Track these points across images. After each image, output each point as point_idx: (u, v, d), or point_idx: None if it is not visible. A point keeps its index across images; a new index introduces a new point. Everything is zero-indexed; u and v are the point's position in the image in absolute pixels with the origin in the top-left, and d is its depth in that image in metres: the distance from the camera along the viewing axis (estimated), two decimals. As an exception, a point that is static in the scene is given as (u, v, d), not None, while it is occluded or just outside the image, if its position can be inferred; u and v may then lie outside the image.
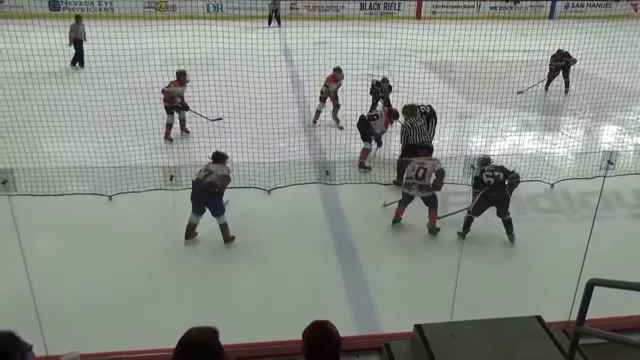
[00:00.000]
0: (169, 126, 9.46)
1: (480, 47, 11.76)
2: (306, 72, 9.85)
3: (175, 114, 9.53)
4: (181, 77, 9.41)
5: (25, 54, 9.36)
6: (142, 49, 9.89)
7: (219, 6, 21.44)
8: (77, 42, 13.96)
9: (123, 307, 5.20)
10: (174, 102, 9.34)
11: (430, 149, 7.35)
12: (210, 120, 9.54)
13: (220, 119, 9.40)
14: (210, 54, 9.96)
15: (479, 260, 5.96)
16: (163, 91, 9.27)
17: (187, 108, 9.60)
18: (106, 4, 20.98)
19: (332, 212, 7.24)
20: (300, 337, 2.53)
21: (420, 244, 6.75)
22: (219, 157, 6.46)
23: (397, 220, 6.92)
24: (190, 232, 6.31)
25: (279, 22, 20.12)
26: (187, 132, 9.80)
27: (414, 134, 7.76)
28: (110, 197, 6.88)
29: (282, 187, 7.63)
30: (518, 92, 12.02)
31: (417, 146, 7.58)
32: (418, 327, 3.80)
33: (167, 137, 9.46)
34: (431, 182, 6.66)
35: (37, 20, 10.72)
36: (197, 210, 6.20)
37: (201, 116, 9.53)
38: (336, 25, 15.45)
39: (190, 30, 10.22)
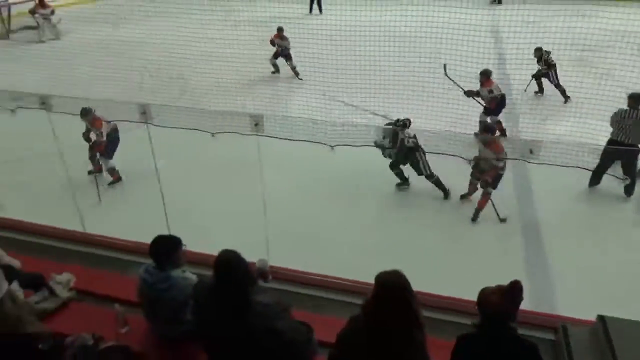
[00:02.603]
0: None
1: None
2: (513, 53, 9.22)
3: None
4: (279, 32, 11.39)
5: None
6: (364, 21, 10.35)
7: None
8: None
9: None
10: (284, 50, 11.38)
11: None
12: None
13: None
14: (421, 30, 9.92)
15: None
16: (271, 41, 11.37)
17: (289, 58, 11.40)
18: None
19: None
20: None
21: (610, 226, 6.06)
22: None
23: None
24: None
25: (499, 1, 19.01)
26: (297, 74, 11.47)
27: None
28: (332, 147, 7.41)
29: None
30: None
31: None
32: (601, 319, 3.50)
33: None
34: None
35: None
36: None
37: None
38: (546, 3, 13.85)
39: (407, 6, 10.31)
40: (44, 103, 4.69)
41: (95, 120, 6.66)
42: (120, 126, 6.84)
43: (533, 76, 10.04)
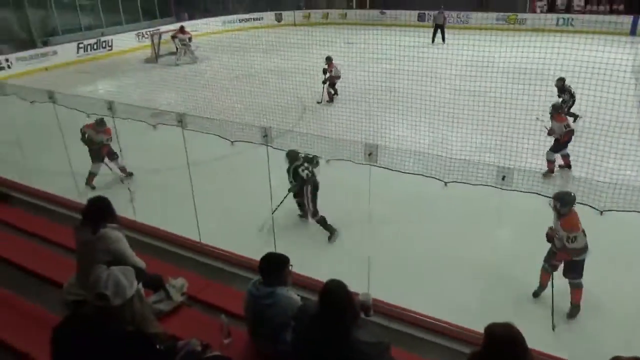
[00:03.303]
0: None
1: None
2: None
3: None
4: (327, 62, 12.01)
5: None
6: (490, 57, 10.03)
7: (569, 20, 19.98)
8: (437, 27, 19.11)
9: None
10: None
11: None
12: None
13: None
14: (554, 65, 9.35)
15: None
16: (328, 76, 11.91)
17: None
18: (465, 17, 22.14)
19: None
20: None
21: None
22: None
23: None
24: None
25: None
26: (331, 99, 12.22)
27: None
28: (446, 183, 7.19)
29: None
30: None
31: None
32: None
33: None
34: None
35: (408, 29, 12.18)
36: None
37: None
38: None
39: (538, 42, 9.82)
40: (180, 121, 5.15)
41: (107, 129, 7.92)
42: (241, 146, 7.30)
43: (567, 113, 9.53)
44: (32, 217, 5.91)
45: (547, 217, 5.10)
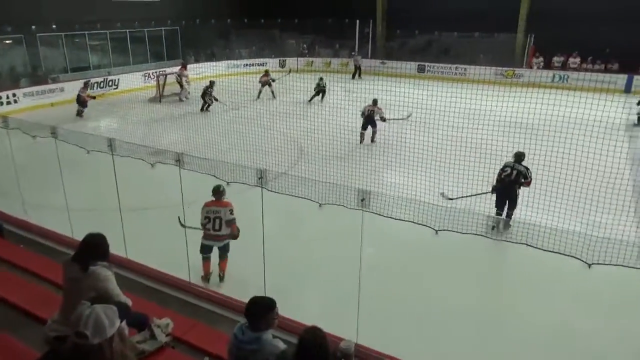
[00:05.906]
0: None
1: None
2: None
3: None
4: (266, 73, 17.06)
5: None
6: (483, 109, 10.29)
7: (566, 77, 20.65)
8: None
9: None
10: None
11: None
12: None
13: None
14: (548, 120, 9.62)
15: None
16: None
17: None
18: (462, 70, 22.88)
19: None
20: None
21: None
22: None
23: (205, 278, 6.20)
24: None
25: None
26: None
27: None
28: (436, 231, 7.23)
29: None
30: None
31: None
32: None
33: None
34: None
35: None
36: None
37: None
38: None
39: (529, 97, 10.08)
40: (178, 160, 5.24)
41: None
42: (237, 188, 7.34)
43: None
44: (23, 250, 5.91)
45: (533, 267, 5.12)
